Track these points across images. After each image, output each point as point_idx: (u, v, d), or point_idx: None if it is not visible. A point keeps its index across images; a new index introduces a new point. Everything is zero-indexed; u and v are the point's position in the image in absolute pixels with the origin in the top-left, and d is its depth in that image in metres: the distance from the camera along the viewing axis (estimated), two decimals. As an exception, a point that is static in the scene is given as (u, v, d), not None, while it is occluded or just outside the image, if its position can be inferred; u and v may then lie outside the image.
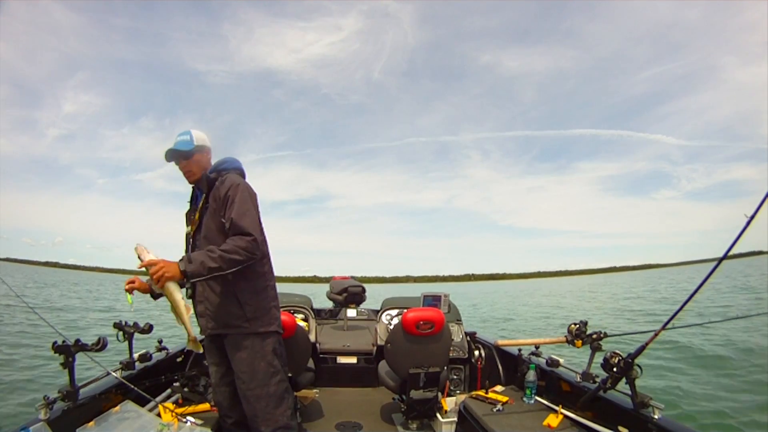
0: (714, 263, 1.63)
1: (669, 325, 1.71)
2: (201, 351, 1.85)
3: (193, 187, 2.02)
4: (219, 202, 1.82)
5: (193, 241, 1.93)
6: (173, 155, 1.92)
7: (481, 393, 2.43)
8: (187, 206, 2.05)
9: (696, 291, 1.63)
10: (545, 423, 2.01)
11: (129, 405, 1.95)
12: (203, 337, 1.92)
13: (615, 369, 1.77)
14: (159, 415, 1.99)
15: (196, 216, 1.92)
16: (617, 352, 1.82)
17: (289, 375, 2.43)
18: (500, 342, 2.98)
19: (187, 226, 2.01)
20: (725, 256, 1.58)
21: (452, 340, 2.91)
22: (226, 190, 1.81)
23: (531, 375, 2.33)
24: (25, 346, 6.75)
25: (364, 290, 3.98)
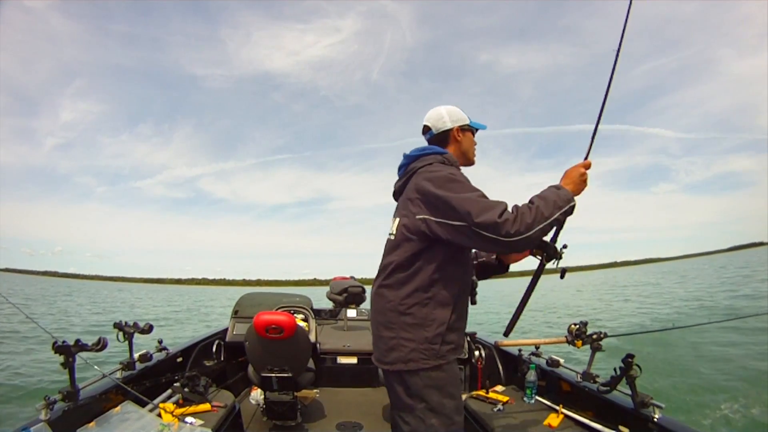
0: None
1: (669, 325, 1.71)
2: None
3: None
4: None
5: None
6: None
7: (482, 393, 2.43)
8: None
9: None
10: (546, 422, 2.01)
11: (129, 405, 1.94)
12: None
13: (615, 369, 1.78)
14: (159, 415, 1.98)
15: None
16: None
17: (290, 375, 2.43)
18: (500, 342, 2.98)
19: None
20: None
21: None
22: None
23: (531, 375, 2.33)
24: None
25: (364, 290, 3.98)
